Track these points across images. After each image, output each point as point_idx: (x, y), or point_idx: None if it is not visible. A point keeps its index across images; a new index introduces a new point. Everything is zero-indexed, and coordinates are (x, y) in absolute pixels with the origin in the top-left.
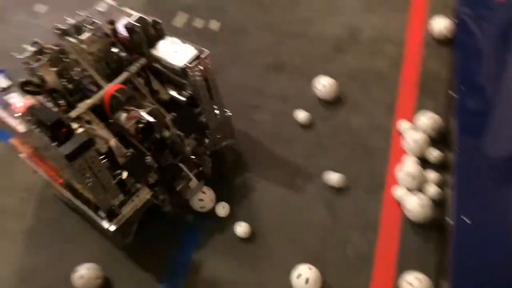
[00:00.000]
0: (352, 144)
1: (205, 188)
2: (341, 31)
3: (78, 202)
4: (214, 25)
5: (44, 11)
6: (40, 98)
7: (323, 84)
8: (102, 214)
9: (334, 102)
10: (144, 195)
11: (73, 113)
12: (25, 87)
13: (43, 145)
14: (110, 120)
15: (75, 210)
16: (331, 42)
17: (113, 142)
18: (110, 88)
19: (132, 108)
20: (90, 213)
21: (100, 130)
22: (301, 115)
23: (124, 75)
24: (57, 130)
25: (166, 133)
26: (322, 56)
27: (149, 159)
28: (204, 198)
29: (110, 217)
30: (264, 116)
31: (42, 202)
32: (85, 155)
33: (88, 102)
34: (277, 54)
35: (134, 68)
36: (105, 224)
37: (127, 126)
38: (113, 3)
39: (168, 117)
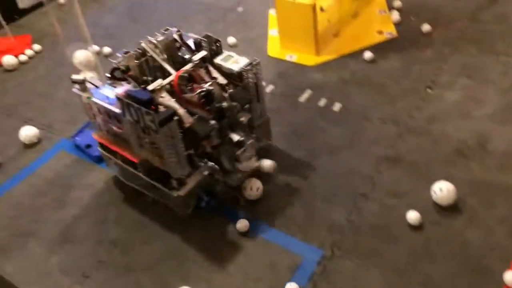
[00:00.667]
0: (463, 258)
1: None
2: (469, 136)
3: (148, 179)
4: (336, 106)
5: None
6: (125, 83)
7: (441, 188)
8: (173, 183)
9: (449, 209)
10: (204, 169)
11: (150, 87)
12: (114, 73)
13: (133, 121)
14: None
15: (139, 191)
16: (455, 146)
17: (181, 110)
18: (178, 72)
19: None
20: (160, 186)
21: (172, 103)
22: (412, 215)
23: (189, 65)
24: (149, 106)
25: (224, 104)
26: (443, 159)
27: (211, 121)
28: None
29: (180, 186)
30: (372, 206)
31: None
32: (170, 124)
33: (161, 81)
34: (396, 147)
35: (196, 58)
36: (174, 193)
37: (192, 99)
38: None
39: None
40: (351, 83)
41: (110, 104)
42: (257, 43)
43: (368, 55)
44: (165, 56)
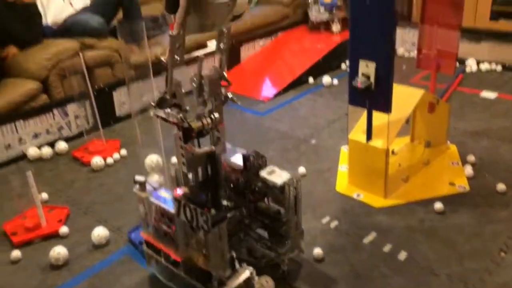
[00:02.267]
0: None
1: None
2: None
3: (188, 278)
4: (402, 255)
5: None
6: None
7: None
8: (214, 284)
9: None
10: (243, 275)
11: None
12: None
13: (186, 221)
14: None
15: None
16: None
17: None
18: None
19: None
20: (201, 286)
21: None
22: None
23: None
24: (204, 207)
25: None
26: None
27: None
28: None
29: (219, 286)
30: None
31: None
32: (221, 225)
33: None
34: None
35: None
36: None
37: None
38: None
39: None
40: (419, 232)
41: (165, 204)
42: (326, 176)
43: (438, 205)
44: None
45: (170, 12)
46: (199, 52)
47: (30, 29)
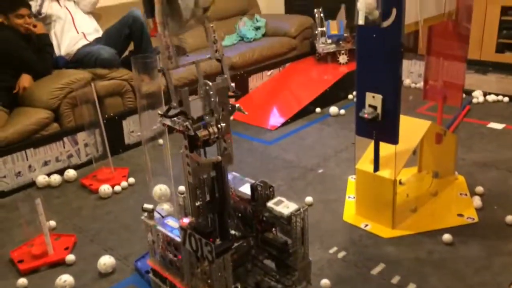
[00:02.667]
0: None
1: None
2: None
3: None
4: (411, 287)
5: None
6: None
7: None
8: None
9: None
10: None
11: None
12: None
13: (192, 251)
14: None
15: None
16: None
17: None
18: None
19: None
20: None
21: None
22: None
23: None
24: (209, 237)
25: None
26: None
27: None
28: None
29: None
30: None
31: None
32: (225, 256)
33: None
34: None
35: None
36: None
37: None
38: None
39: None
40: (427, 264)
41: (171, 232)
42: (333, 206)
43: (447, 237)
44: None
45: (149, 16)
46: (195, 58)
47: (43, 59)
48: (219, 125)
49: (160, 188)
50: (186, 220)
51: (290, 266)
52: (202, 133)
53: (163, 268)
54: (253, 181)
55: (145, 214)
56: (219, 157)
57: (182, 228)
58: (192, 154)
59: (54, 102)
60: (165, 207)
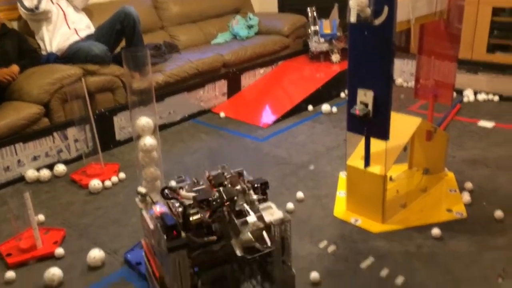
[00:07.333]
0: None
1: None
2: None
3: None
4: (399, 280)
5: None
6: (172, 202)
7: None
8: None
9: None
10: None
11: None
12: (164, 191)
13: (157, 240)
14: None
15: None
16: None
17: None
18: None
19: None
20: None
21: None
22: None
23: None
24: (171, 231)
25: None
26: None
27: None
28: None
29: None
30: None
31: None
32: (179, 252)
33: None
34: None
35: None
36: None
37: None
38: None
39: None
40: (416, 258)
41: (150, 219)
42: (324, 202)
43: (435, 231)
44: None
45: None
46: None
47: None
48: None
49: (142, 120)
50: (159, 209)
51: (272, 277)
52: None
53: (150, 251)
54: (251, 178)
55: (139, 197)
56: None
57: (153, 217)
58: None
59: (44, 97)
60: (150, 140)
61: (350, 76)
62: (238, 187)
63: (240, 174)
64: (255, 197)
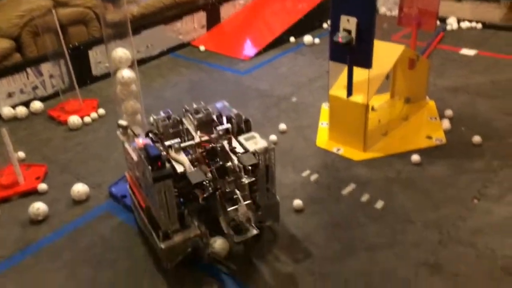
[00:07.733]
0: None
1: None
2: None
3: (149, 225)
4: (379, 204)
5: None
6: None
7: None
8: (159, 234)
9: None
10: (193, 232)
11: (168, 142)
12: (149, 134)
13: (142, 171)
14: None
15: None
16: (502, 263)
17: (187, 163)
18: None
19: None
20: (153, 233)
21: (182, 157)
22: None
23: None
24: (156, 162)
25: (228, 164)
26: (487, 274)
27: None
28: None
29: (164, 239)
30: None
31: None
32: (165, 182)
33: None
34: (437, 254)
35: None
36: (158, 242)
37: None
38: None
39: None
40: (396, 183)
41: (133, 151)
42: (307, 133)
43: (415, 158)
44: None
45: None
46: None
47: None
48: None
49: (118, 51)
50: (142, 141)
51: (255, 203)
52: None
53: (135, 184)
54: (235, 111)
55: (120, 130)
56: None
57: (136, 149)
58: None
59: (14, 30)
60: (128, 73)
61: (333, 2)
62: (229, 164)
63: (227, 131)
64: (246, 181)
